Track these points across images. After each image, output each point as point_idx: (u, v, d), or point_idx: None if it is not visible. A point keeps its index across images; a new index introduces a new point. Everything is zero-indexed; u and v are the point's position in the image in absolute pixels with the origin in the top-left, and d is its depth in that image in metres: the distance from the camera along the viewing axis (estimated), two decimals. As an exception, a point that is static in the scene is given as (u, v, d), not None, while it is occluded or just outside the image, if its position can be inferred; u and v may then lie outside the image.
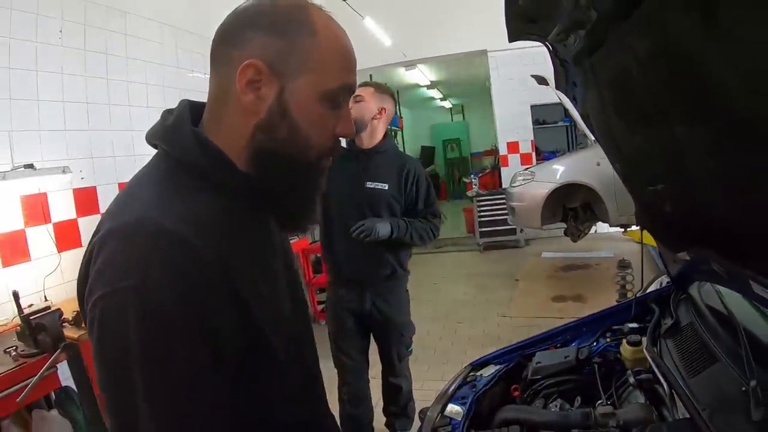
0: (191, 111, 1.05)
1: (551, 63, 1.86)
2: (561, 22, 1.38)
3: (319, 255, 7.22)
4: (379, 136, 3.29)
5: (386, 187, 3.22)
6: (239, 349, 0.92)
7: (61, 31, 4.49)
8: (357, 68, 1.08)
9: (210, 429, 0.86)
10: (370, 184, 3.22)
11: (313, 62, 0.98)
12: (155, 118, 1.07)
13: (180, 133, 1.00)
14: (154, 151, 1.06)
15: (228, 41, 1.00)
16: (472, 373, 2.02)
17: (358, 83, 3.67)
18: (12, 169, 3.67)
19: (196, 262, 0.86)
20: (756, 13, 0.78)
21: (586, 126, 1.99)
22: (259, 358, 0.98)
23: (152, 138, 1.04)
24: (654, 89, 1.22)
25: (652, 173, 1.63)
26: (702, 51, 0.95)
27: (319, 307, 6.76)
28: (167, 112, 1.06)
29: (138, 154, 5.07)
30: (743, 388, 1.30)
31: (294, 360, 1.08)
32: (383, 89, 3.34)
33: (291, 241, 1.56)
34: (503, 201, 8.53)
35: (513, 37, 1.77)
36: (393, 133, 14.04)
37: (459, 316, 6.46)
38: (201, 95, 1.08)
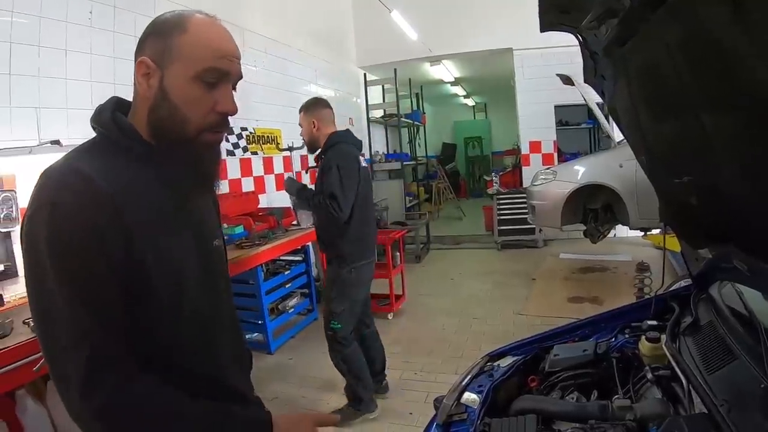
0: (122, 104, 1.36)
1: (581, 55, 1.87)
2: (594, 10, 1.38)
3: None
4: (324, 139, 4.03)
5: (318, 175, 4.02)
6: (124, 270, 1.14)
7: (91, 12, 4.56)
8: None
9: (105, 306, 1.11)
10: (318, 174, 4.06)
11: (183, 52, 1.23)
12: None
13: (102, 115, 1.30)
14: None
15: (138, 48, 1.29)
16: (489, 363, 2.03)
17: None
18: (38, 145, 3.72)
19: (93, 191, 1.12)
20: None
21: (614, 119, 1.98)
22: (140, 290, 1.18)
23: (90, 122, 1.32)
24: (683, 79, 1.21)
25: (679, 165, 1.62)
26: (732, 39, 0.95)
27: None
28: (100, 106, 1.34)
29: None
30: (762, 386, 1.30)
31: (186, 311, 1.29)
32: (308, 104, 4.14)
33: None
34: (523, 200, 8.50)
35: (545, 27, 1.78)
36: (416, 128, 14.26)
37: (475, 311, 6.45)
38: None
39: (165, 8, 4.64)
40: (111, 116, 1.28)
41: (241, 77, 1.33)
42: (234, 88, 1.33)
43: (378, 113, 12.20)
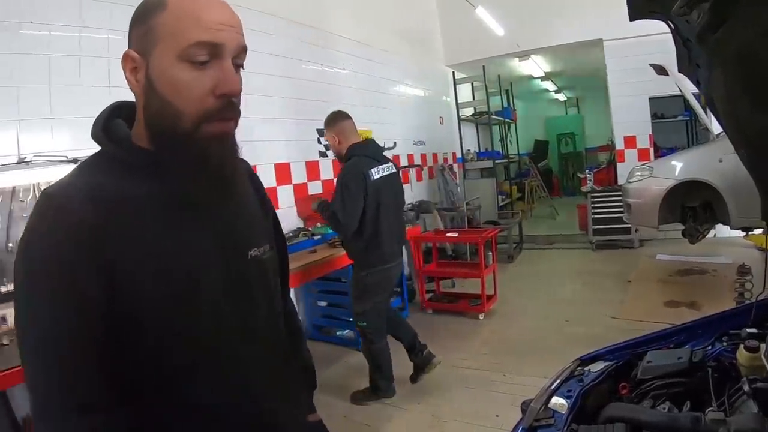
0: (124, 109, 1.23)
1: (673, 45, 1.80)
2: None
3: (429, 244, 7.33)
4: (345, 151, 4.36)
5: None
6: (103, 303, 1.03)
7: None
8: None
9: (68, 349, 1.01)
10: None
11: (163, 32, 1.06)
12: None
13: (96, 126, 1.16)
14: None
15: (128, 43, 1.14)
16: (580, 368, 1.99)
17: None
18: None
19: (67, 222, 1.01)
20: None
21: (711, 110, 1.90)
22: (127, 321, 1.06)
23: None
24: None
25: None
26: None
27: (427, 296, 6.92)
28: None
29: (255, 140, 5.34)
30: None
31: (198, 328, 1.15)
32: (328, 119, 4.45)
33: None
34: (618, 198, 8.22)
35: (634, 15, 1.73)
36: (507, 126, 14.07)
37: (567, 313, 6.30)
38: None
39: (252, 19, 4.82)
40: (102, 126, 1.16)
41: (243, 49, 1.14)
42: (241, 66, 1.15)
43: (468, 111, 12.16)
